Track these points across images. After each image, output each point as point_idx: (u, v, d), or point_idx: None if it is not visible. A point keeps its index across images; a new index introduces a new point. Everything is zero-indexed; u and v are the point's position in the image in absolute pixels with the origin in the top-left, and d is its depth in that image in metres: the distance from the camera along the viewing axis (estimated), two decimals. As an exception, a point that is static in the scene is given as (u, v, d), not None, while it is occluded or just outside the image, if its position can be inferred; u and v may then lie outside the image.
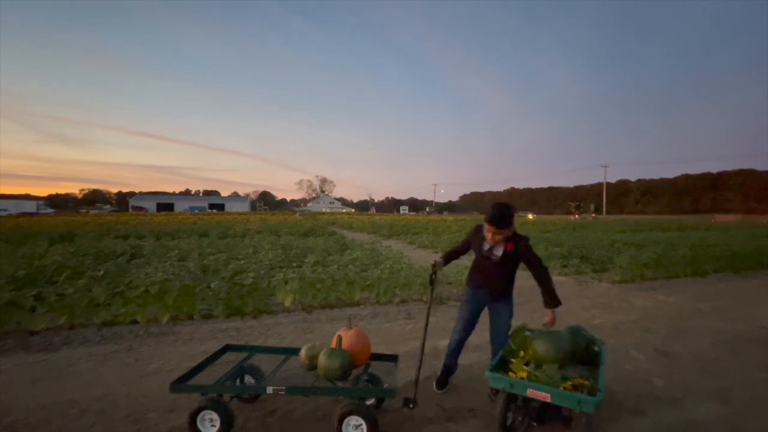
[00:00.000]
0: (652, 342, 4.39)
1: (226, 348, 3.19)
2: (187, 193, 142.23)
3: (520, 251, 3.09)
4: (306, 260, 8.69)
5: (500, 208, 2.93)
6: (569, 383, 2.38)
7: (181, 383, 2.54)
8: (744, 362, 3.86)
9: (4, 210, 64.25)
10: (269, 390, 2.48)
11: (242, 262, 7.71)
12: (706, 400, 3.10)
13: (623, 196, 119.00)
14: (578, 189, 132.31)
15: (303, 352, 2.87)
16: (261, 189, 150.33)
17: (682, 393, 3.21)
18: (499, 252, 3.11)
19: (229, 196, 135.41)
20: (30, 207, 72.35)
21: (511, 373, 2.52)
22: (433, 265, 3.24)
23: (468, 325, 3.31)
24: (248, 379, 3.02)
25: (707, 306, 6.05)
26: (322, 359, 2.66)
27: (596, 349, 2.79)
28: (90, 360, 3.93)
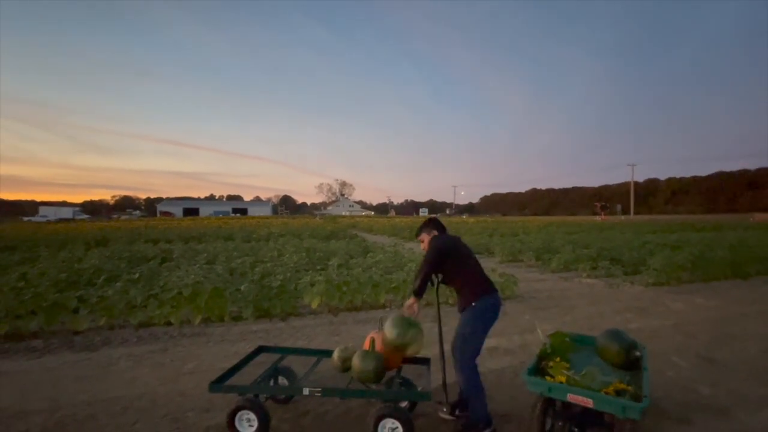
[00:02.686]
0: (694, 347, 4.19)
1: (260, 349, 3.24)
2: (211, 198, 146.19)
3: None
4: (330, 263, 8.76)
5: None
6: (611, 388, 2.29)
7: (218, 384, 2.59)
8: (797, 370, 3.63)
9: (44, 216, 67.71)
10: (306, 391, 2.50)
11: (268, 264, 7.85)
12: (759, 410, 2.93)
13: (652, 195, 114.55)
14: (604, 189, 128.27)
15: (336, 354, 2.89)
16: (282, 193, 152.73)
17: (732, 402, 3.04)
18: None
19: (251, 200, 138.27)
20: (67, 213, 75.97)
21: (548, 377, 2.45)
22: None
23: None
24: (282, 381, 3.07)
25: (752, 310, 5.73)
26: (356, 361, 2.66)
27: (638, 353, 2.68)
28: (129, 359, 4.08)
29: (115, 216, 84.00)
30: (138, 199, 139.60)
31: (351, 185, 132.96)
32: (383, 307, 5.79)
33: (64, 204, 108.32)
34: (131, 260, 9.62)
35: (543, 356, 2.77)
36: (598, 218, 56.20)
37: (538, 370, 2.64)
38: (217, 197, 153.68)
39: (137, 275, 6.30)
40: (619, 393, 2.29)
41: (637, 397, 2.23)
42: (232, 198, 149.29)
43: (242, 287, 5.34)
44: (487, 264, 10.80)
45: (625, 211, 74.23)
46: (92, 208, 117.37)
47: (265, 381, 2.84)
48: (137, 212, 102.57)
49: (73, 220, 60.66)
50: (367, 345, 2.87)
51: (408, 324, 2.75)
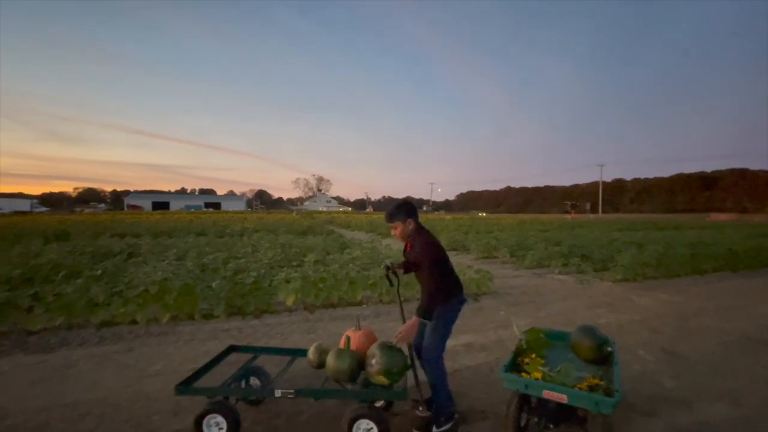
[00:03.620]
0: (659, 342, 4.36)
1: (231, 349, 3.12)
2: (182, 192, 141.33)
3: (413, 253, 2.72)
4: (306, 259, 8.61)
5: (391, 205, 2.79)
6: (585, 384, 2.33)
7: (186, 386, 2.47)
8: (752, 362, 3.84)
9: (-2, 208, 63.55)
10: (278, 393, 2.41)
11: (242, 260, 7.62)
12: (718, 401, 3.07)
13: (619, 195, 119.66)
14: (574, 188, 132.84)
15: (311, 352, 2.81)
16: (257, 188, 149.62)
17: (693, 394, 3.17)
18: (411, 255, 2.79)
19: (225, 194, 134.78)
20: (23, 206, 71.63)
21: (524, 374, 2.47)
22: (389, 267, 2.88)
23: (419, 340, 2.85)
24: (254, 381, 2.96)
25: (711, 305, 6.04)
26: (330, 360, 2.60)
27: (609, 349, 2.75)
28: (89, 361, 3.85)
29: (78, 209, 79.78)
30: (103, 191, 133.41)
31: (328, 180, 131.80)
32: (360, 303, 5.73)
33: (20, 196, 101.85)
34: (95, 255, 9.12)
35: (519, 352, 2.79)
36: (568, 216, 58.12)
37: (514, 366, 2.66)
38: (188, 191, 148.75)
39: (100, 271, 5.96)
40: (592, 388, 2.34)
41: (609, 392, 2.27)
42: (204, 192, 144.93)
43: (214, 284, 5.14)
44: (463, 260, 10.94)
45: (594, 209, 77.18)
46: (52, 200, 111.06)
47: (235, 382, 2.73)
48: (102, 205, 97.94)
49: (30, 212, 57.14)
50: (342, 343, 2.81)
51: (395, 354, 2.51)
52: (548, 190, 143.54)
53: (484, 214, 69.96)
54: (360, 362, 2.64)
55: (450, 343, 3.67)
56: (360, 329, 2.94)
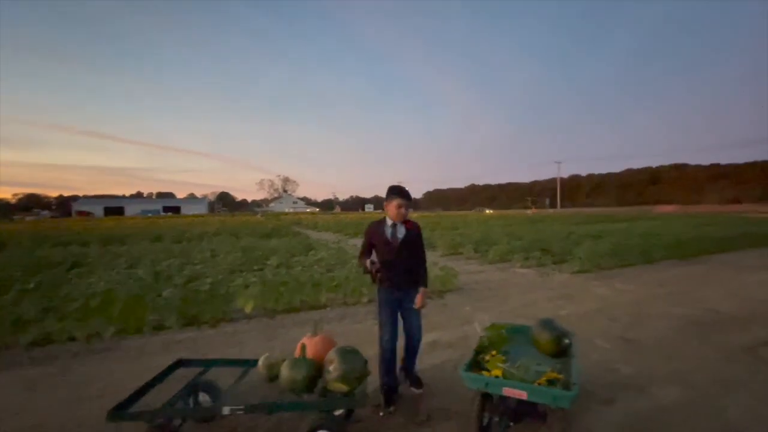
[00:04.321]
0: (616, 330, 4.52)
1: (178, 363, 2.88)
2: (138, 196, 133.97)
3: (415, 233, 3.14)
4: (268, 262, 8.31)
5: (398, 185, 3.09)
6: (544, 378, 2.31)
7: (121, 410, 2.22)
8: (699, 344, 4.05)
9: None
10: (226, 411, 2.23)
11: (198, 267, 7.22)
12: (670, 385, 3.18)
13: (576, 190, 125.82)
14: (535, 184, 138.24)
15: (261, 363, 2.63)
16: (219, 190, 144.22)
17: (648, 379, 3.28)
18: (401, 233, 3.05)
19: (184, 198, 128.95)
20: (-47, 215, 64.97)
21: (485, 372, 2.42)
22: (372, 263, 2.92)
23: (396, 331, 3.04)
24: (203, 397, 2.74)
25: (661, 292, 6.37)
26: (284, 371, 2.44)
27: (567, 341, 2.77)
28: (18, 385, 3.45)
29: (17, 217, 73.47)
30: (47, 197, 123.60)
31: (294, 181, 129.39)
32: (324, 306, 5.56)
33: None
34: (30, 267, 8.33)
35: (480, 350, 2.75)
36: (529, 212, 60.35)
37: (476, 364, 2.61)
38: (145, 195, 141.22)
39: (33, 285, 5.41)
40: (551, 382, 2.33)
41: (567, 386, 2.27)
42: (162, 195, 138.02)
43: (165, 293, 4.79)
44: (430, 258, 10.97)
45: (553, 204, 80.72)
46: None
47: (182, 399, 2.51)
48: (46, 212, 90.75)
49: (-38, 222, 51.86)
50: (298, 352, 2.65)
51: (353, 359, 2.44)
52: (511, 186, 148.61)
53: (490, 211, 69.83)
54: (317, 370, 2.50)
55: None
56: (317, 335, 2.80)
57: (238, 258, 8.69)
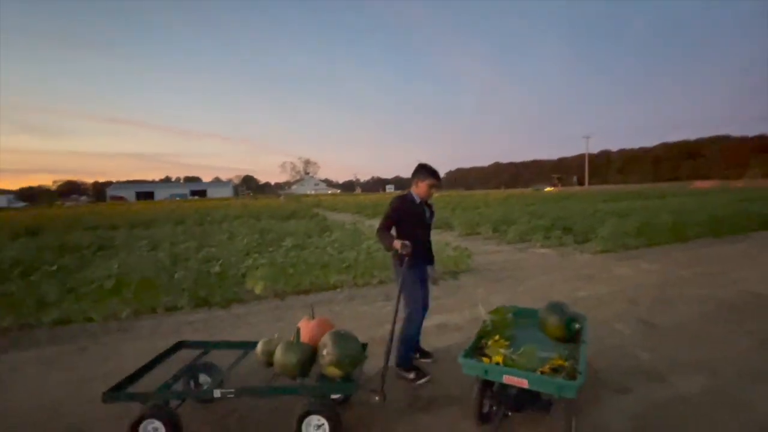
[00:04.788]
0: (636, 313, 4.26)
1: (179, 345, 2.90)
2: (167, 181, 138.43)
3: (433, 211, 3.22)
4: (283, 244, 8.37)
5: (430, 166, 3.07)
6: (548, 366, 2.16)
7: (117, 391, 2.24)
8: (729, 330, 3.76)
9: (-27, 205, 61.53)
10: (216, 394, 2.21)
11: (213, 249, 7.34)
12: (694, 374, 2.96)
13: (605, 166, 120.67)
14: (562, 161, 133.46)
15: (259, 347, 2.60)
16: (244, 173, 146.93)
17: (669, 367, 3.06)
18: (428, 213, 3.15)
19: (211, 181, 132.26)
20: (0, 202, 69.39)
21: (485, 359, 2.29)
22: (405, 246, 2.76)
23: (425, 305, 3.20)
24: (204, 378, 2.76)
25: (690, 273, 5.99)
26: (278, 355, 2.39)
27: (577, 326, 2.59)
28: (38, 363, 3.61)
29: (58, 203, 77.64)
30: (85, 184, 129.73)
31: (315, 163, 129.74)
32: (334, 288, 5.53)
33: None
34: (62, 250, 8.74)
35: (483, 335, 2.62)
36: (551, 189, 58.43)
37: (477, 350, 2.49)
38: (173, 179, 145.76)
39: (55, 267, 5.63)
40: (556, 370, 2.18)
41: (573, 374, 2.11)
42: (190, 180, 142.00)
43: (177, 275, 4.88)
44: (446, 238, 10.81)
45: (581, 181, 77.87)
46: (31, 194, 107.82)
47: (179, 381, 2.52)
48: (84, 198, 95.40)
49: (5, 208, 55.40)
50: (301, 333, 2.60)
51: (348, 343, 2.37)
52: (536, 164, 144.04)
53: (551, 189, 65.51)
54: (311, 355, 2.45)
55: (424, 323, 3.54)
56: (314, 318, 2.74)
57: (254, 240, 8.79)
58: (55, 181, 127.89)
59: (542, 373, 2.12)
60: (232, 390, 2.20)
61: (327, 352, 2.32)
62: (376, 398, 2.40)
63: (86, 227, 15.22)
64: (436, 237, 11.22)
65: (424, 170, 2.99)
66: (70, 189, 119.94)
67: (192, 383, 2.73)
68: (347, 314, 4.63)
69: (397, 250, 2.78)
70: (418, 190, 3.02)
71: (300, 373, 2.37)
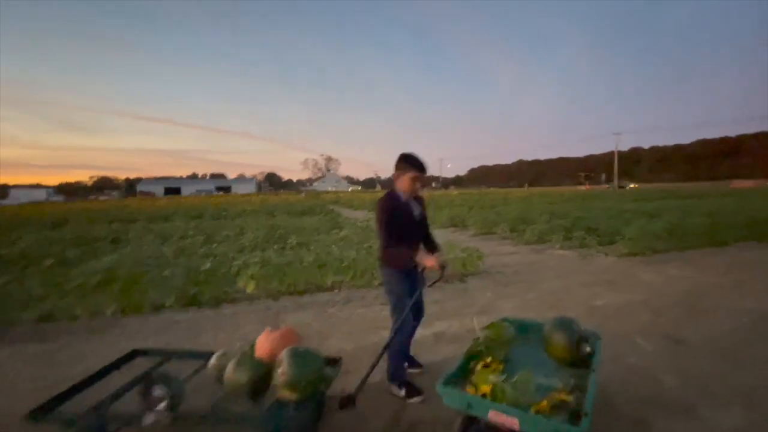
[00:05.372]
0: (661, 326, 3.76)
1: (134, 354, 2.67)
2: (194, 177, 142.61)
3: (423, 206, 2.89)
4: (289, 241, 8.17)
5: (413, 155, 2.70)
6: (546, 402, 1.78)
7: (44, 411, 2.00)
8: (773, 350, 3.22)
9: (16, 199, 65.13)
10: (148, 420, 1.94)
11: (215, 245, 7.21)
12: (727, 405, 2.49)
13: (636, 164, 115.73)
14: (589, 159, 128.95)
15: (212, 361, 2.32)
16: (268, 170, 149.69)
17: (697, 395, 2.60)
18: (418, 210, 2.78)
19: (235, 178, 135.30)
20: (39, 195, 73.26)
21: (470, 388, 1.93)
22: (443, 266, 2.55)
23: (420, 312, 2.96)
24: (159, 392, 2.50)
25: (728, 280, 5.36)
26: (228, 372, 2.11)
27: (588, 349, 2.18)
28: (15, 361, 3.48)
29: (92, 197, 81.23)
30: (117, 179, 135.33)
31: (337, 160, 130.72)
32: (331, 289, 5.24)
33: (37, 186, 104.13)
34: (74, 242, 8.85)
35: (472, 355, 2.25)
36: (582, 188, 56.36)
37: (463, 374, 2.12)
38: (200, 176, 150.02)
39: (53, 261, 5.60)
40: (556, 406, 1.79)
41: (578, 414, 1.72)
42: (215, 176, 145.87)
43: (167, 271, 4.71)
44: (460, 237, 10.36)
45: (609, 180, 74.81)
46: (69, 189, 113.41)
47: (126, 392, 2.27)
48: (115, 193, 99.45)
49: (44, 202, 58.26)
50: (260, 345, 2.32)
51: (306, 362, 2.07)
52: (562, 162, 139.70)
53: (634, 185, 63.40)
54: (267, 373, 2.14)
55: (418, 332, 3.19)
56: (279, 327, 2.44)
57: (260, 236, 8.63)
58: (91, 177, 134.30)
59: (539, 411, 1.74)
60: (167, 416, 1.93)
61: (281, 371, 2.02)
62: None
63: (109, 220, 15.60)
64: (450, 236, 10.79)
65: (405, 161, 2.62)
66: (104, 184, 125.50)
67: (145, 397, 2.49)
68: (341, 317, 4.33)
69: (424, 267, 2.54)
70: (401, 185, 2.65)
71: (252, 394, 2.08)
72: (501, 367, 2.12)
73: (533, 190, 50.02)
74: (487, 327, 2.40)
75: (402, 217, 2.62)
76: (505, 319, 2.78)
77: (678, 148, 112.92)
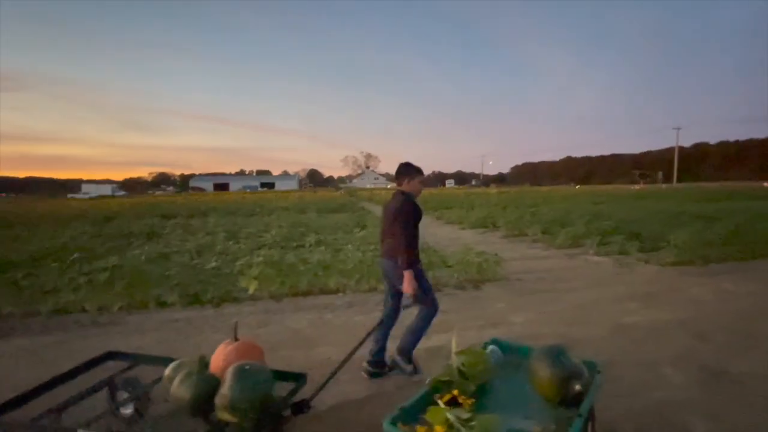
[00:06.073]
0: (701, 354, 3.18)
1: (108, 356, 2.60)
2: (241, 173, 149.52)
3: None
4: (308, 239, 8.11)
5: (411, 162, 3.01)
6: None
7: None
8: None
9: (86, 193, 71.85)
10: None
11: (234, 242, 7.29)
12: (775, 467, 1.97)
13: (700, 161, 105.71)
14: (646, 155, 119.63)
15: (167, 371, 2.17)
16: (310, 167, 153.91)
17: (735, 450, 2.09)
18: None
19: (279, 175, 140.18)
20: (106, 190, 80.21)
21: (422, 428, 1.62)
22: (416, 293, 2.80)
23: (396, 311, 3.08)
24: (124, 396, 2.42)
25: (795, 300, 4.53)
26: (174, 386, 1.94)
27: (578, 387, 1.79)
28: (19, 353, 3.61)
29: (150, 192, 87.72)
30: (173, 175, 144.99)
31: (376, 157, 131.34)
32: (336, 292, 5.05)
33: (107, 181, 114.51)
34: (113, 237, 9.38)
35: (437, 386, 1.92)
36: (636, 187, 52.29)
37: (423, 409, 1.81)
38: (247, 172, 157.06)
39: (76, 255, 5.88)
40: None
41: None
42: (261, 173, 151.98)
43: (170, 271, 4.75)
44: (489, 239, 9.82)
45: (668, 178, 68.89)
46: (131, 185, 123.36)
47: (89, 395, 2.20)
48: (171, 188, 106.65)
49: (111, 196, 63.66)
50: (215, 359, 2.14)
51: (250, 383, 1.84)
52: (615, 158, 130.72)
53: (679, 184, 56.91)
54: (215, 390, 1.96)
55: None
56: (237, 339, 2.25)
57: (280, 233, 8.66)
58: (150, 173, 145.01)
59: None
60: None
61: (222, 392, 1.82)
62: (304, 410, 1.90)
63: (154, 215, 16.56)
64: (476, 237, 10.27)
65: (413, 168, 2.96)
66: (162, 180, 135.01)
67: (111, 402, 2.41)
68: (336, 324, 4.12)
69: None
70: (412, 188, 2.94)
71: (196, 412, 1.90)
72: (469, 402, 1.79)
73: (580, 189, 47.19)
74: (462, 352, 2.06)
75: (418, 219, 2.89)
76: (493, 342, 2.43)
77: (752, 143, 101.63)
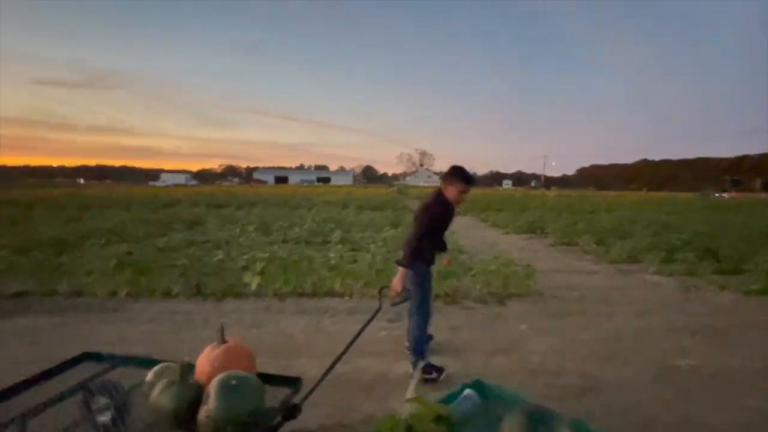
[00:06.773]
0: (778, 424, 2.37)
1: (84, 356, 2.46)
2: (301, 168, 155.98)
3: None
4: (333, 236, 7.91)
5: (463, 168, 2.96)
6: None
7: None
8: None
9: (163, 182, 79.48)
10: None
11: (252, 235, 7.29)
12: None
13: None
14: (742, 160, 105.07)
15: (149, 377, 1.95)
16: (366, 163, 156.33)
17: None
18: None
19: (335, 170, 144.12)
20: (180, 180, 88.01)
21: None
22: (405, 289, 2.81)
23: None
24: (101, 402, 2.24)
25: None
26: (153, 396, 1.72)
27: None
28: (23, 333, 3.71)
29: (218, 182, 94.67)
30: (240, 167, 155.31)
31: (431, 155, 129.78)
32: (341, 295, 4.72)
33: (183, 171, 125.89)
34: (156, 224, 9.91)
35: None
36: (725, 195, 45.95)
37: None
38: (306, 167, 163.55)
39: (104, 240, 6.16)
40: None
41: None
42: (319, 167, 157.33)
43: (179, 262, 4.74)
44: (535, 246, 8.94)
45: (766, 186, 59.78)
46: (203, 175, 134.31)
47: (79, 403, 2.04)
48: (236, 179, 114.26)
49: (183, 185, 69.70)
50: (200, 363, 1.89)
51: (238, 393, 1.62)
52: (701, 162, 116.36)
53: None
54: (197, 400, 1.70)
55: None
56: (224, 341, 1.96)
57: (309, 228, 8.57)
58: (219, 165, 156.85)
59: None
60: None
61: (206, 407, 1.55)
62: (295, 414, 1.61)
63: (208, 204, 17.55)
64: (521, 243, 9.43)
65: (458, 175, 2.92)
66: (230, 172, 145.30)
67: (85, 406, 2.25)
68: (330, 332, 3.78)
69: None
70: (449, 193, 2.93)
71: (176, 425, 1.66)
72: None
73: (652, 195, 42.57)
74: (414, 400, 1.60)
75: (446, 223, 3.00)
76: (475, 384, 1.94)
77: None
